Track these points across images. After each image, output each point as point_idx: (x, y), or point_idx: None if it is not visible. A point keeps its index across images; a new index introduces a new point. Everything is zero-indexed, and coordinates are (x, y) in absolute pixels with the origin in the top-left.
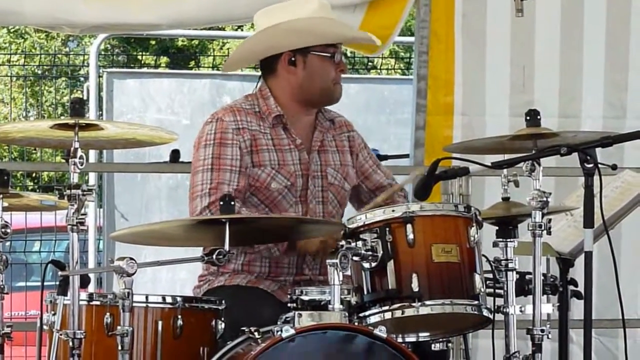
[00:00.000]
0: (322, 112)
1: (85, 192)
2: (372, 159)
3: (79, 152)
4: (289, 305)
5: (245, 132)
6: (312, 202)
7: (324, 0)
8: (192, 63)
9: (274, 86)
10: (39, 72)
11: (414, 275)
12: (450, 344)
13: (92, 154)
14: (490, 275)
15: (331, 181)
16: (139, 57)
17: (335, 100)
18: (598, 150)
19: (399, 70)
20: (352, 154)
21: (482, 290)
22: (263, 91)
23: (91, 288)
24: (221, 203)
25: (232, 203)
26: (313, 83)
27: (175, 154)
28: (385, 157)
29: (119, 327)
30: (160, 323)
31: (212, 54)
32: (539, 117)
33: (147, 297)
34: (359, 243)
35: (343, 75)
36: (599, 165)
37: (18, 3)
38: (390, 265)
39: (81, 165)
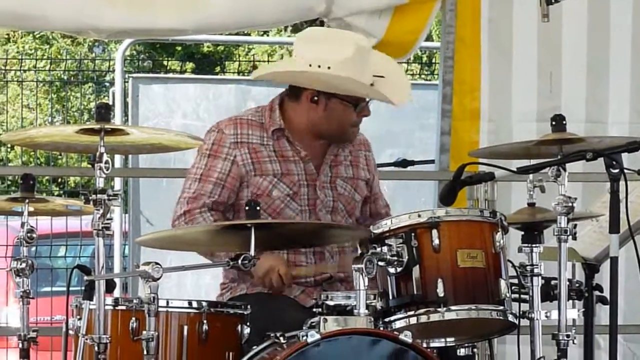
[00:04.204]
0: None
1: (110, 197)
2: (379, 187)
3: (105, 157)
4: (314, 310)
5: (244, 146)
6: (321, 211)
7: (361, 42)
8: (218, 69)
9: (293, 110)
10: (65, 77)
11: (440, 281)
12: (475, 349)
13: (118, 159)
14: (516, 281)
15: (341, 192)
16: (165, 63)
17: (349, 142)
18: (624, 155)
19: (424, 76)
20: (368, 172)
21: (508, 295)
22: (273, 104)
23: (117, 293)
24: (246, 208)
25: (258, 208)
26: (330, 124)
27: None
28: (412, 163)
29: (144, 332)
30: (185, 328)
31: (237, 60)
32: (564, 122)
33: (171, 302)
34: (385, 248)
35: None
36: (625, 171)
37: (42, 8)
38: (416, 270)
39: (107, 170)
